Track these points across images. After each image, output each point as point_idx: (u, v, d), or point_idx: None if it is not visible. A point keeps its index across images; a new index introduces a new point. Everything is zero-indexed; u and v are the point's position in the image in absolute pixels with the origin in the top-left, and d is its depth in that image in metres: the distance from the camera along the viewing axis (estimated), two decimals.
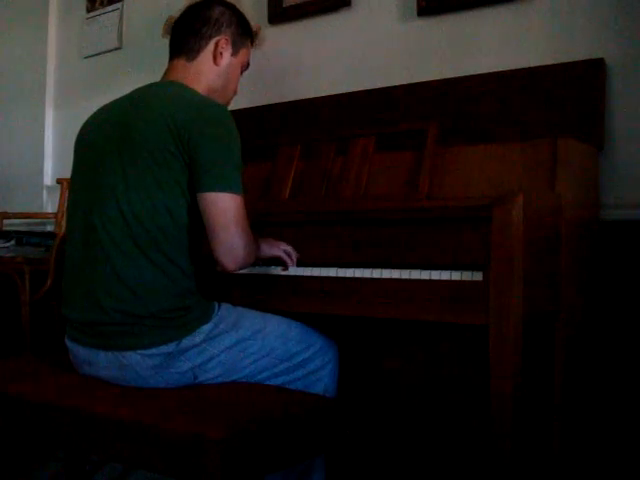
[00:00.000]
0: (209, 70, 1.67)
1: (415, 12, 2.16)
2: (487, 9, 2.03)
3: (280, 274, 1.67)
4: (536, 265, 1.42)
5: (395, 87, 2.10)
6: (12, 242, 2.77)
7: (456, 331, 1.76)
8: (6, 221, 3.13)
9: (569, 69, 1.80)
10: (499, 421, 1.34)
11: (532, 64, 1.89)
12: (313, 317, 1.67)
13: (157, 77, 1.69)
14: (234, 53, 1.71)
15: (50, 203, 3.27)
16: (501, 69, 1.93)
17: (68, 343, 1.57)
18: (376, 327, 1.90)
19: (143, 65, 2.85)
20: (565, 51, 1.87)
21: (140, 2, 2.99)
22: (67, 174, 1.74)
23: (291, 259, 1.67)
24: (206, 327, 1.49)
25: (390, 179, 1.82)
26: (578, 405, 1.65)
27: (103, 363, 1.49)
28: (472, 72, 1.97)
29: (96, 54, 3.14)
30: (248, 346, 1.54)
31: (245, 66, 1.80)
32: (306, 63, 2.41)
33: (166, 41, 1.74)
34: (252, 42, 1.82)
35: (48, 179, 3.31)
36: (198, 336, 1.47)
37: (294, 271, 1.66)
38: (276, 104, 2.35)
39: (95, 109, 1.66)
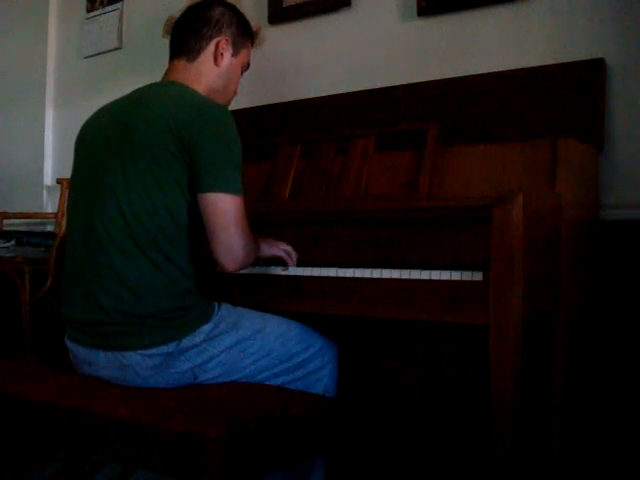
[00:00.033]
0: (210, 70, 1.67)
1: (415, 12, 2.16)
2: (487, 9, 2.03)
3: (280, 274, 1.67)
4: (536, 265, 1.42)
5: (395, 87, 2.10)
6: (12, 242, 2.77)
7: (456, 331, 1.76)
8: (6, 221, 3.13)
9: (569, 69, 1.80)
10: (499, 421, 1.34)
11: (532, 64, 1.89)
12: (313, 317, 1.67)
13: (157, 77, 1.69)
14: (234, 54, 1.71)
15: (50, 203, 3.27)
16: (501, 69, 1.93)
17: (68, 343, 1.57)
18: (376, 327, 1.90)
19: (143, 65, 2.85)
20: (565, 51, 1.87)
21: (140, 2, 2.99)
22: (67, 174, 1.74)
23: (291, 259, 1.67)
24: (206, 327, 1.49)
25: (390, 179, 1.82)
26: (578, 405, 1.65)
27: (103, 363, 1.49)
28: (472, 72, 1.97)
29: (96, 54, 3.14)
30: (248, 346, 1.54)
31: (245, 66, 1.80)
32: (306, 63, 2.41)
33: (166, 41, 1.74)
34: (252, 42, 1.82)
35: (48, 179, 3.31)
36: (198, 336, 1.47)
37: (294, 271, 1.66)
38: (276, 104, 2.35)
39: (95, 109, 1.66)
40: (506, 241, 1.33)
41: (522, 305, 1.33)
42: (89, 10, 3.18)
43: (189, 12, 1.71)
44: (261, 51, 2.35)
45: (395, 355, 1.89)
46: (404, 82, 2.08)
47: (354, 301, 1.55)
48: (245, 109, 2.37)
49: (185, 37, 1.67)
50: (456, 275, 1.41)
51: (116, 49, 3.07)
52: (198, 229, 1.49)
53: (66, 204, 1.83)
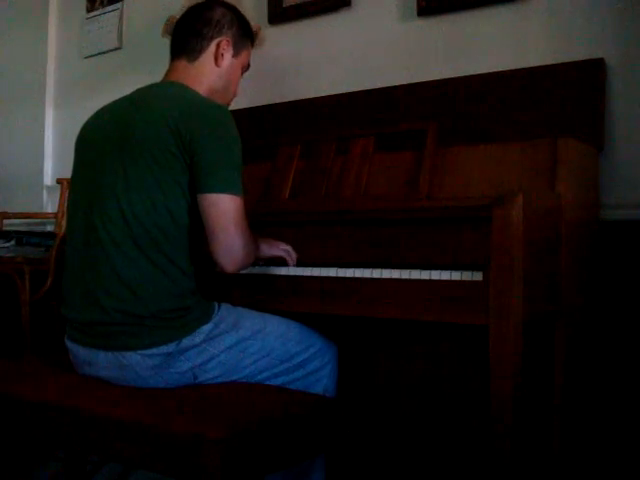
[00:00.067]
0: (210, 71, 1.67)
1: (415, 12, 2.16)
2: (487, 9, 2.03)
3: (280, 274, 1.67)
4: (536, 265, 1.42)
5: (395, 87, 2.10)
6: (12, 242, 2.77)
7: (456, 331, 1.76)
8: (6, 221, 3.13)
9: (569, 69, 1.80)
10: (499, 421, 1.34)
11: (532, 64, 1.89)
12: (313, 317, 1.67)
13: (157, 77, 1.69)
14: (235, 54, 1.72)
15: (50, 203, 3.27)
16: (501, 69, 1.93)
17: (68, 343, 1.57)
18: (376, 327, 1.90)
19: (143, 65, 2.85)
20: (565, 51, 1.87)
21: (140, 2, 2.99)
22: (67, 174, 1.74)
23: (291, 258, 1.68)
24: (206, 327, 1.49)
25: (390, 179, 1.82)
26: (578, 405, 1.65)
27: (103, 363, 1.49)
28: (472, 72, 1.97)
29: (96, 54, 3.14)
30: (248, 346, 1.54)
31: (246, 67, 1.80)
32: (306, 63, 2.41)
33: (166, 41, 1.74)
34: (252, 43, 1.82)
35: (48, 179, 3.31)
36: (198, 336, 1.48)
37: (294, 271, 1.66)
38: (276, 104, 2.35)
39: (95, 109, 1.66)
40: (506, 241, 1.33)
41: (522, 305, 1.33)
42: (89, 10, 3.18)
43: (190, 13, 1.71)
44: (261, 51, 2.35)
45: (395, 355, 1.89)
46: (404, 82, 2.08)
47: (354, 301, 1.55)
48: (245, 109, 2.37)
49: (186, 37, 1.67)
50: (456, 275, 1.41)
51: (116, 49, 3.07)
52: (198, 229, 1.49)
53: (66, 204, 1.83)
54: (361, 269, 1.54)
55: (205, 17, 1.68)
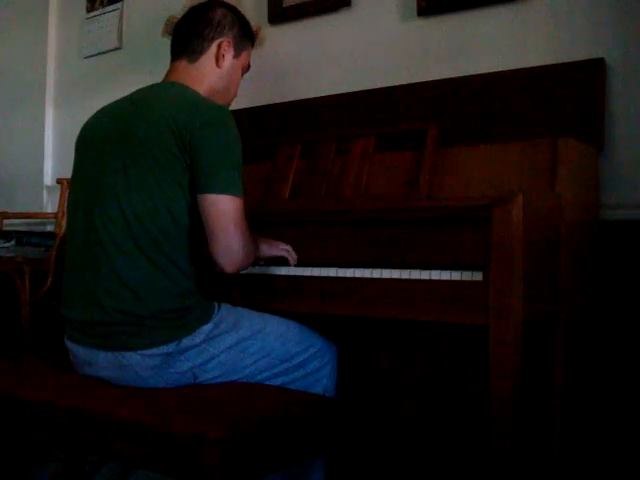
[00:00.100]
0: (211, 72, 1.67)
1: (415, 12, 2.16)
2: (487, 9, 2.03)
3: (280, 274, 1.67)
4: (536, 265, 1.42)
5: (395, 87, 2.10)
6: (12, 242, 2.76)
7: (456, 331, 1.76)
8: (6, 221, 3.13)
9: (569, 69, 1.80)
10: (499, 421, 1.34)
11: (532, 64, 1.89)
12: (313, 317, 1.67)
13: (157, 77, 1.69)
14: (236, 55, 1.72)
15: (50, 203, 3.27)
16: (501, 69, 1.93)
17: (68, 343, 1.57)
18: (376, 327, 1.90)
19: (143, 65, 2.85)
20: (565, 51, 1.87)
21: (140, 2, 2.99)
22: (67, 174, 1.74)
23: (292, 257, 1.68)
24: (206, 327, 1.49)
25: (390, 179, 1.82)
26: (578, 405, 1.65)
27: (103, 363, 1.48)
28: (472, 72, 1.97)
29: (96, 54, 3.14)
30: (248, 346, 1.54)
31: (246, 68, 1.80)
32: (306, 63, 2.41)
33: (166, 41, 1.73)
34: (253, 44, 1.82)
35: (48, 179, 3.31)
36: (198, 336, 1.48)
37: (294, 271, 1.66)
38: (276, 104, 2.35)
39: (95, 109, 1.66)
40: (506, 241, 1.33)
41: (522, 305, 1.33)
42: (89, 10, 3.18)
43: (191, 13, 1.71)
44: (261, 51, 2.35)
45: (395, 355, 1.89)
46: (404, 82, 2.08)
47: (354, 301, 1.55)
48: (245, 109, 2.37)
49: (187, 38, 1.67)
50: (456, 275, 1.41)
51: (116, 49, 3.07)
52: (198, 230, 1.49)
53: (66, 204, 1.83)
54: (361, 269, 1.54)
55: (206, 18, 1.68)
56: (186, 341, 1.46)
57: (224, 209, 1.44)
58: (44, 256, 2.70)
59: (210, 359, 1.49)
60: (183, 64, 1.66)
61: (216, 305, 1.55)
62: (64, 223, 2.72)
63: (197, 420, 1.28)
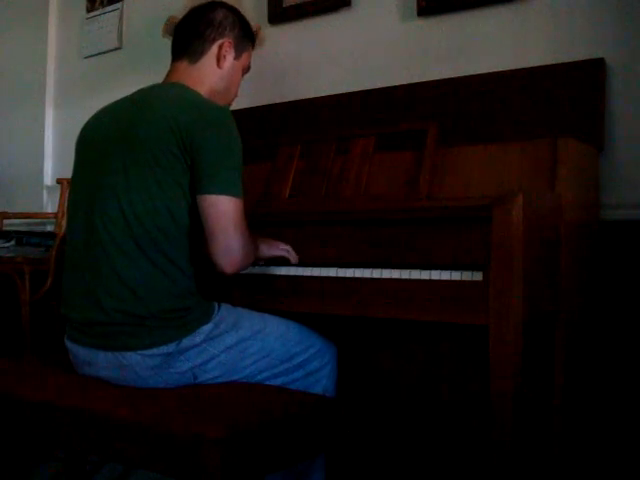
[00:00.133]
0: (212, 73, 1.67)
1: (415, 12, 2.16)
2: (487, 9, 2.03)
3: (280, 274, 1.67)
4: (536, 265, 1.42)
5: (395, 87, 2.10)
6: (12, 242, 2.77)
7: (456, 331, 1.76)
8: (6, 221, 3.13)
9: (569, 69, 1.81)
10: (499, 421, 1.34)
11: (532, 64, 1.89)
12: (313, 317, 1.67)
13: (157, 77, 1.69)
14: (237, 56, 1.72)
15: (50, 203, 3.27)
16: (501, 69, 1.94)
17: (68, 344, 1.56)
18: (376, 327, 1.90)
19: (143, 65, 2.85)
20: (565, 51, 1.87)
21: (140, 2, 2.99)
22: (67, 174, 1.74)
23: (292, 256, 1.68)
24: (206, 327, 1.49)
25: (390, 179, 1.82)
26: (578, 405, 1.65)
27: (103, 363, 1.48)
28: (472, 72, 1.97)
29: (96, 54, 3.15)
30: (248, 346, 1.54)
31: (246, 69, 1.80)
32: (306, 63, 2.41)
33: (166, 41, 1.74)
34: (253, 45, 1.82)
35: (48, 179, 3.31)
36: (198, 336, 1.47)
37: (294, 271, 1.66)
38: (276, 104, 2.35)
39: (95, 109, 1.66)
40: (506, 241, 1.33)
41: (522, 305, 1.33)
42: (89, 10, 3.18)
43: (192, 14, 1.71)
44: (261, 51, 2.35)
45: (395, 355, 1.89)
46: (404, 82, 2.08)
47: (354, 301, 1.55)
48: (245, 109, 2.37)
49: (188, 39, 1.67)
50: (456, 275, 1.41)
51: (116, 49, 3.07)
52: (199, 230, 1.49)
53: (66, 204, 1.83)
54: (361, 269, 1.54)
55: (207, 19, 1.68)
56: (186, 341, 1.46)
57: (224, 210, 1.44)
58: (44, 256, 2.70)
59: (210, 359, 1.49)
60: (184, 65, 1.66)
61: (216, 305, 1.55)
62: (64, 223, 2.72)
63: (197, 420, 1.28)
